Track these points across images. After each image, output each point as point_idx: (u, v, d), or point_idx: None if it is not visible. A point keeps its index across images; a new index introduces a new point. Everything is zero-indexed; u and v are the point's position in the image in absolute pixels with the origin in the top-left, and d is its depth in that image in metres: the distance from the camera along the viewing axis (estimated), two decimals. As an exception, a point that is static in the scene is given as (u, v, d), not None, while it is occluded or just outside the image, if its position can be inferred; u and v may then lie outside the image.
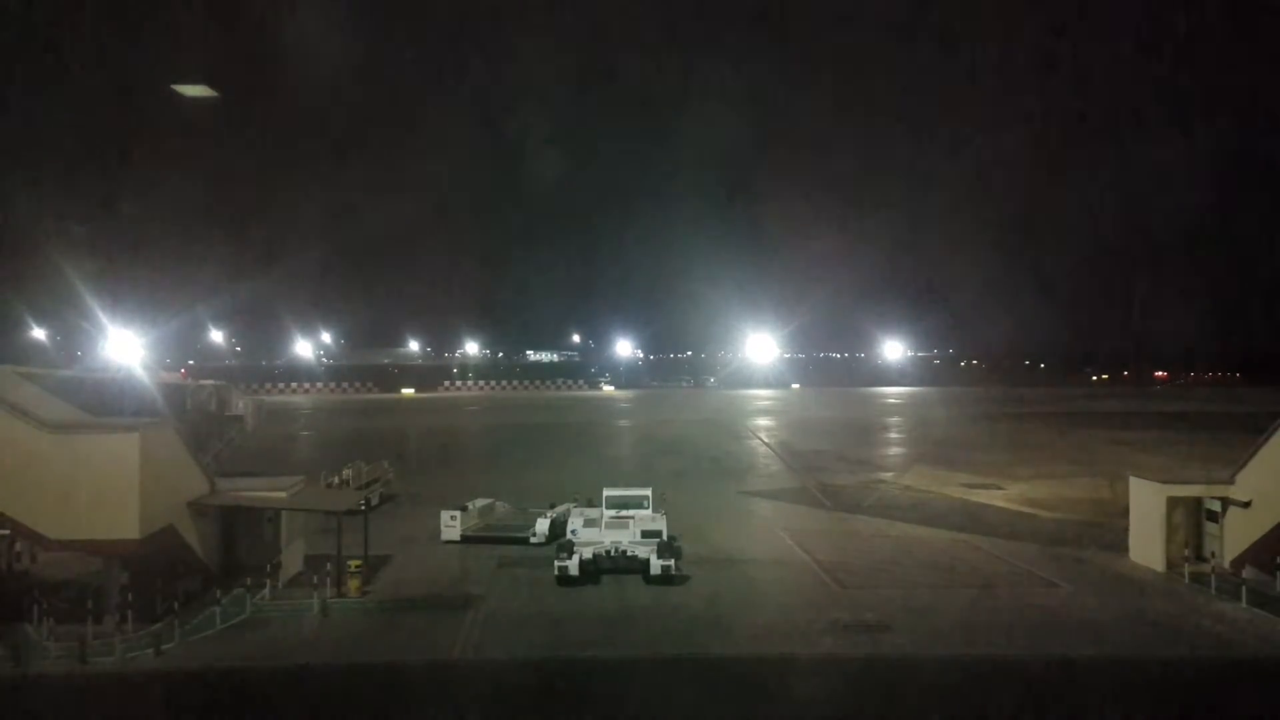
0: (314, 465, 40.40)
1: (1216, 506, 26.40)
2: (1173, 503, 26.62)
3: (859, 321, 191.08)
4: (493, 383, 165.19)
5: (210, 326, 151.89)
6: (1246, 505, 25.19)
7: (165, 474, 22.24)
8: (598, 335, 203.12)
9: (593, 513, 27.99)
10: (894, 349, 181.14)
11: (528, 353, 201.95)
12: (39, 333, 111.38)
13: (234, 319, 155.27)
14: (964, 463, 51.42)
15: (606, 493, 28.38)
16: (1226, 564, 25.67)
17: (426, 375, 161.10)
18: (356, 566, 23.73)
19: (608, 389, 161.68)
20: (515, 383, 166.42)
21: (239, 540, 25.57)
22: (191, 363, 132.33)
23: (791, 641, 20.30)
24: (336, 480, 36.29)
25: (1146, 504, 27.20)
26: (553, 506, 31.80)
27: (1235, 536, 25.67)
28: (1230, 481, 25.78)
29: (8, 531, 22.71)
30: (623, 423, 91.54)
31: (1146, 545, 26.97)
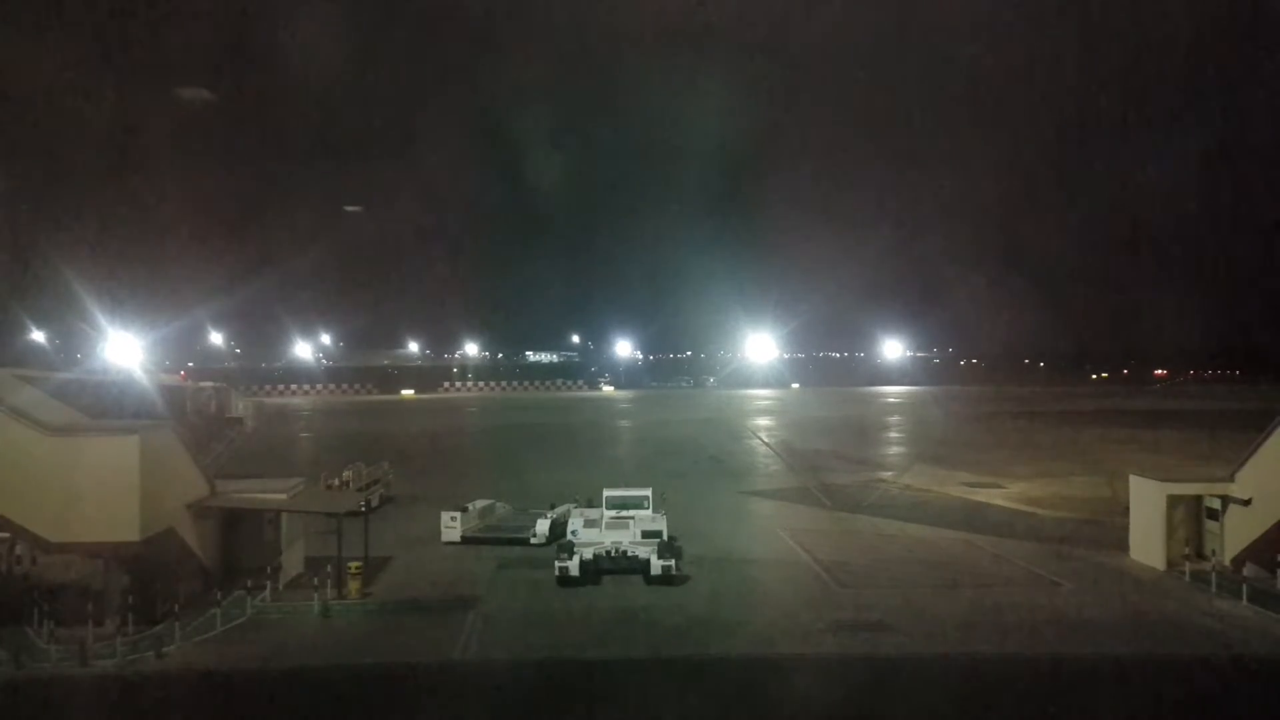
0: (314, 467, 40.41)
1: (1217, 504, 26.39)
2: (1173, 501, 26.62)
3: (858, 321, 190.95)
4: (492, 383, 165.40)
5: (209, 329, 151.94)
6: (1247, 503, 25.18)
7: (165, 476, 22.22)
8: (597, 336, 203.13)
9: (593, 513, 27.98)
10: (893, 348, 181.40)
11: (527, 353, 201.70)
12: (38, 335, 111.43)
13: (233, 321, 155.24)
14: (964, 462, 51.47)
15: (606, 493, 28.38)
16: (1227, 562, 25.67)
17: (426, 376, 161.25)
18: (357, 568, 23.72)
19: (607, 389, 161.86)
20: (515, 383, 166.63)
21: (239, 542, 25.52)
22: (191, 365, 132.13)
23: (792, 641, 20.29)
24: (337, 482, 36.25)
25: (1147, 502, 27.21)
26: (553, 507, 31.78)
27: (1236, 534, 25.67)
28: (1230, 479, 25.77)
29: (8, 534, 22.70)
30: (622, 423, 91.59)
31: (1147, 543, 26.98)
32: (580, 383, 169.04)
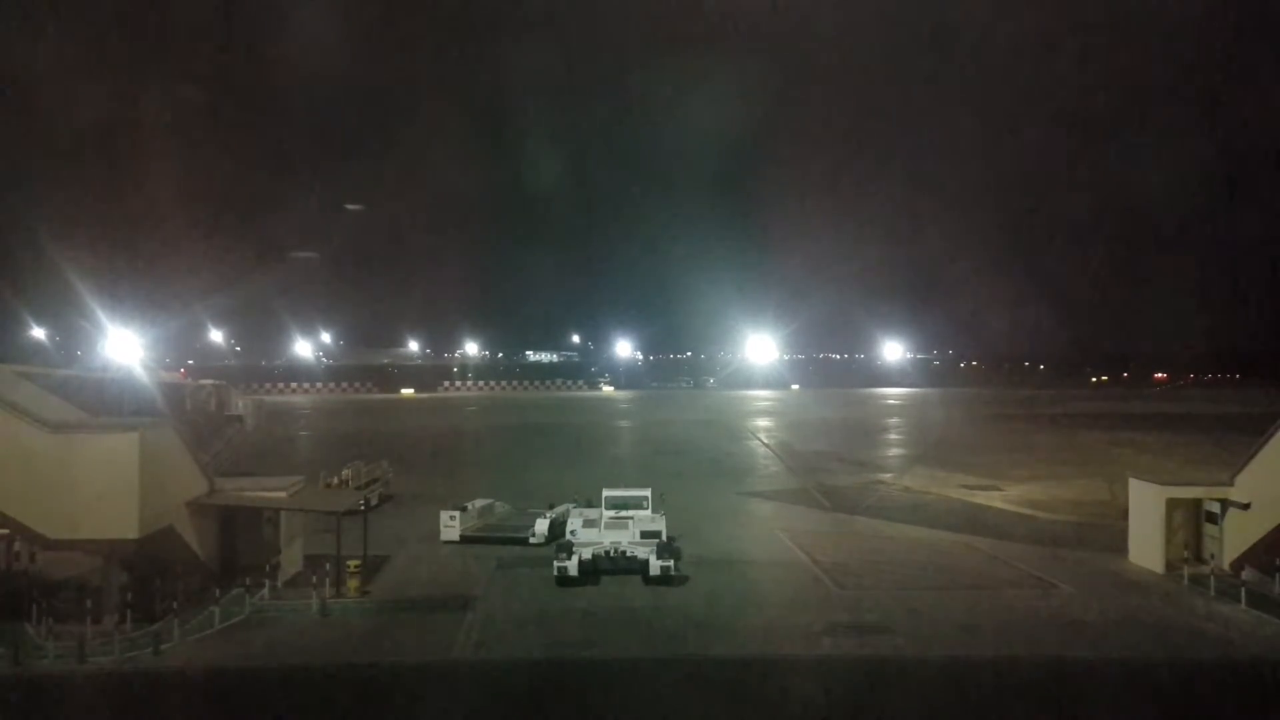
0: (313, 465, 40.40)
1: (1216, 508, 26.40)
2: (1172, 504, 26.63)
3: (859, 322, 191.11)
4: (492, 383, 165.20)
5: (210, 326, 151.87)
6: (1246, 507, 25.19)
7: (165, 474, 22.23)
8: (597, 336, 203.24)
9: (592, 513, 27.99)
10: (893, 350, 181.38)
11: (527, 353, 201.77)
12: (39, 332, 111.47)
13: (233, 319, 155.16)
14: (963, 464, 51.44)
15: (606, 493, 28.39)
16: (1226, 566, 25.67)
17: (426, 375, 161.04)
18: (356, 566, 23.73)
19: (607, 389, 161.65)
20: (514, 383, 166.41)
21: (238, 540, 25.53)
22: (191, 362, 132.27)
23: (791, 642, 20.31)
24: (336, 480, 36.27)
25: (1146, 506, 27.21)
26: (552, 507, 31.77)
27: (1234, 538, 25.68)
28: (1229, 483, 25.78)
29: (7, 531, 22.71)
30: (622, 423, 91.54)
31: (1146, 547, 26.98)
32: (580, 383, 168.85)
